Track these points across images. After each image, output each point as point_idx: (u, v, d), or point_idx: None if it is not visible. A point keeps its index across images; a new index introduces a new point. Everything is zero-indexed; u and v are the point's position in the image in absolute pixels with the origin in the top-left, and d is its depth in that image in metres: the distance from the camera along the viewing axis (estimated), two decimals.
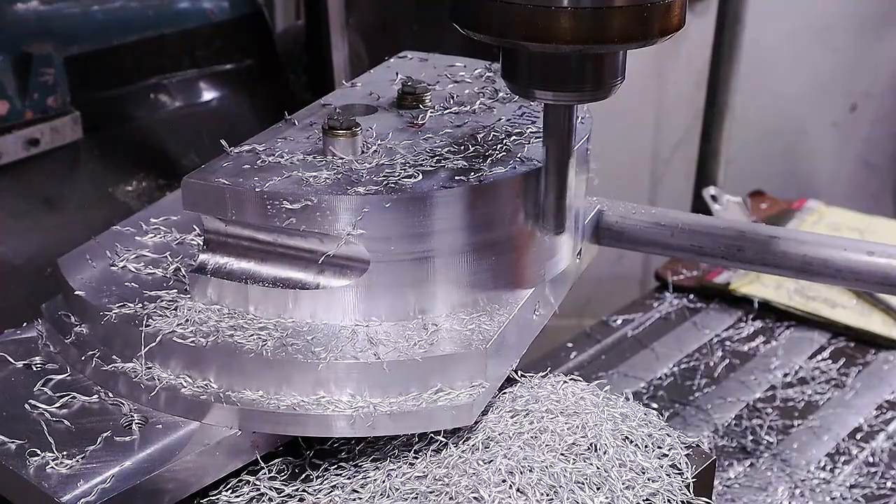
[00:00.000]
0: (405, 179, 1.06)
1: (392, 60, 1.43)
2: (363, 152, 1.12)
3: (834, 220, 2.65)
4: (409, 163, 1.10)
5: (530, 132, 1.17)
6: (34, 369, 1.10)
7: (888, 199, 3.99)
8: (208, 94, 2.17)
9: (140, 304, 1.10)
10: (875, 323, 2.23)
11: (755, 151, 3.46)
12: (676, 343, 2.19)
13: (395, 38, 2.38)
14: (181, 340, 1.04)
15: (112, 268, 1.18)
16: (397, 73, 1.33)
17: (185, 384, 1.04)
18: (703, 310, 2.32)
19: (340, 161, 1.10)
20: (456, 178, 1.07)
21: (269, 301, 1.07)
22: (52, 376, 1.08)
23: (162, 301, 1.10)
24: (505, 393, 1.14)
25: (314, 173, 1.07)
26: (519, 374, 1.18)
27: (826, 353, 2.16)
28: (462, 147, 1.14)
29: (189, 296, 1.11)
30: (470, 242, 1.08)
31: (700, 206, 2.66)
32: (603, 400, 1.14)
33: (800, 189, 3.34)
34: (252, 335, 1.05)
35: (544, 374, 1.18)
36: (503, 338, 1.08)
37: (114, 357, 1.08)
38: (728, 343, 2.20)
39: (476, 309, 1.10)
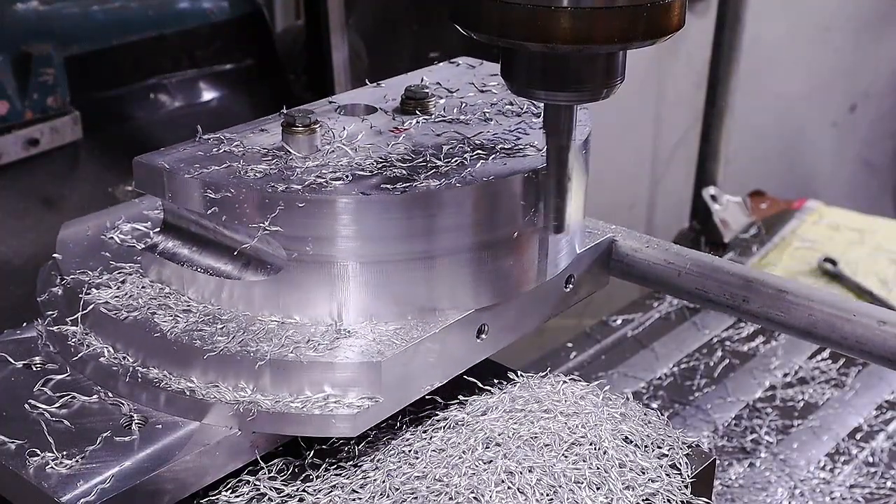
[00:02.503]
0: (333, 181, 1.05)
1: (440, 65, 1.41)
2: (318, 150, 1.12)
3: (834, 220, 2.65)
4: (352, 166, 1.09)
5: (501, 148, 1.14)
6: (34, 369, 1.10)
7: (888, 199, 3.99)
8: (208, 94, 2.17)
9: (97, 273, 1.14)
10: None
11: (755, 151, 3.46)
12: (676, 343, 2.19)
13: (395, 38, 2.38)
14: (106, 311, 1.07)
15: (101, 237, 1.21)
16: (423, 79, 1.31)
17: (106, 354, 1.07)
18: (703, 310, 2.32)
19: (288, 157, 1.10)
20: (382, 186, 1.05)
21: (201, 287, 1.10)
22: (52, 376, 1.08)
23: (119, 273, 1.14)
24: (505, 393, 1.14)
25: (255, 166, 1.08)
26: (519, 374, 1.18)
27: (826, 353, 2.16)
28: (417, 156, 1.11)
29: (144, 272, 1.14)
30: (389, 253, 1.05)
31: (700, 206, 2.67)
32: (603, 400, 1.14)
33: (800, 189, 3.34)
34: (171, 317, 1.07)
35: (544, 374, 1.18)
36: (411, 355, 1.04)
37: (66, 319, 1.11)
38: (728, 343, 2.20)
39: (402, 321, 1.07)
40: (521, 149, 1.13)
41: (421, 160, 1.10)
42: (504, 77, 1.07)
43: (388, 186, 1.04)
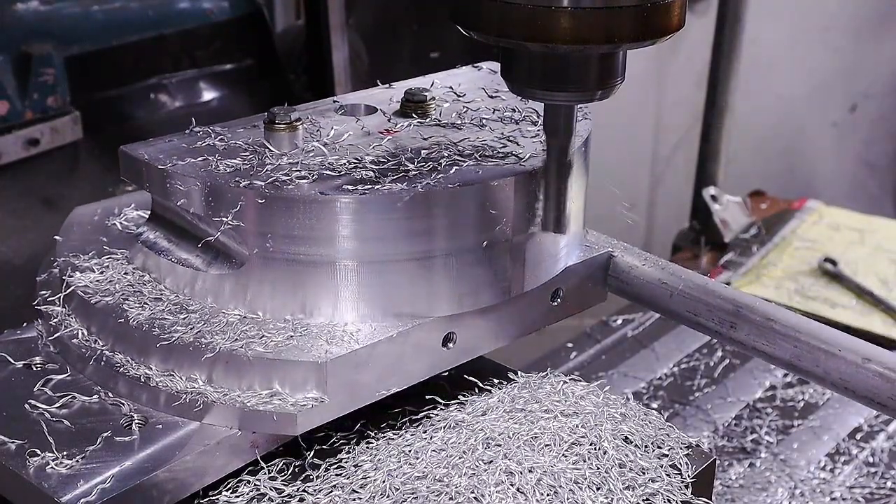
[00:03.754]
0: (298, 180, 1.05)
1: (462, 68, 1.40)
2: (297, 148, 1.12)
3: (834, 220, 2.65)
4: (324, 165, 1.09)
5: (482, 155, 1.12)
6: (34, 369, 1.09)
7: (888, 199, 3.99)
8: (208, 94, 2.17)
9: (88, 257, 1.16)
10: (875, 323, 2.23)
11: (755, 151, 3.46)
12: (676, 343, 2.19)
13: (395, 38, 2.38)
14: (82, 294, 1.10)
15: (105, 222, 1.23)
16: (433, 83, 1.30)
17: (79, 336, 1.09)
18: None
19: (265, 154, 1.11)
20: (344, 187, 1.04)
21: (176, 277, 1.11)
22: (52, 376, 1.08)
23: (109, 258, 1.16)
24: (505, 393, 1.14)
25: (229, 161, 1.09)
26: (519, 374, 1.18)
27: None
28: (392, 159, 1.10)
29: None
30: (347, 255, 1.05)
31: (700, 206, 2.67)
32: (603, 400, 1.14)
33: (800, 189, 3.34)
34: (140, 304, 1.08)
35: (544, 374, 1.18)
36: (363, 357, 1.03)
37: (53, 300, 1.13)
38: None
39: (362, 324, 1.07)
40: (502, 157, 1.12)
41: (394, 163, 1.09)
42: (504, 77, 1.07)
43: (350, 188, 1.04)
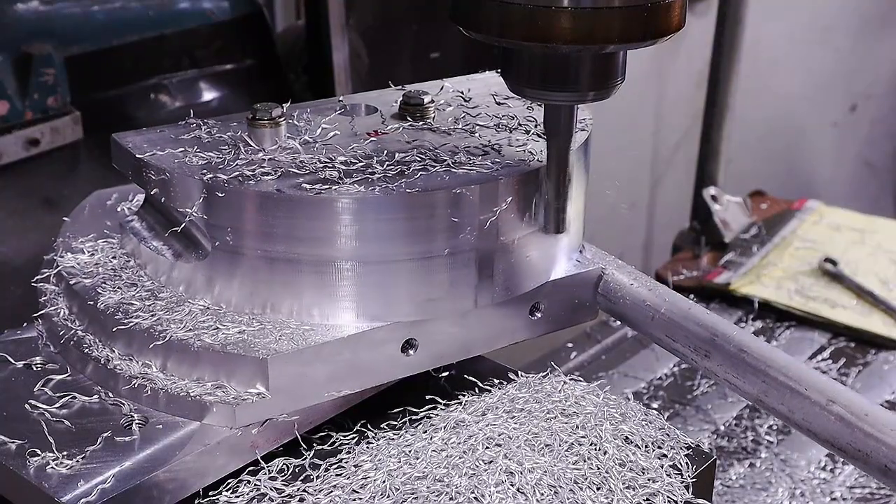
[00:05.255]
0: (263, 176, 1.06)
1: (484, 73, 1.38)
2: (276, 145, 1.12)
3: (834, 220, 2.65)
4: (294, 163, 1.09)
5: (456, 162, 1.10)
6: (34, 369, 1.10)
7: (888, 199, 3.99)
8: (208, 94, 2.17)
9: (85, 238, 1.19)
10: (875, 323, 2.23)
11: (755, 151, 3.46)
12: None
13: (395, 38, 2.38)
14: (65, 274, 1.13)
15: (117, 207, 1.25)
16: (442, 87, 1.30)
17: (59, 313, 1.13)
18: None
19: (240, 148, 1.11)
20: (302, 185, 1.04)
21: (154, 264, 1.13)
22: (52, 376, 1.08)
23: (106, 242, 1.19)
24: (505, 393, 1.14)
25: (205, 153, 1.10)
26: (519, 373, 1.18)
27: (826, 353, 2.16)
28: (364, 161, 1.10)
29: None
30: (301, 254, 1.05)
31: (700, 206, 2.67)
32: (603, 400, 1.14)
33: (800, 189, 3.34)
34: (114, 288, 1.11)
35: (544, 374, 1.18)
36: (309, 357, 1.03)
37: (43, 277, 1.18)
38: None
39: (320, 322, 1.06)
40: (476, 165, 1.10)
41: (363, 165, 1.09)
42: (504, 77, 1.07)
43: (308, 186, 1.04)
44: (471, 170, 1.09)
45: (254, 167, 1.07)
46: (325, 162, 1.09)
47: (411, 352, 1.09)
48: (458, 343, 1.12)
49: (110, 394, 1.05)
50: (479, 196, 1.06)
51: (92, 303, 1.09)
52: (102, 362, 1.06)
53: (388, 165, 1.08)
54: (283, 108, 1.15)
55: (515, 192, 1.09)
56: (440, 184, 1.06)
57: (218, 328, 1.05)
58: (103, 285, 1.11)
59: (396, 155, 1.11)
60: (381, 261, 1.06)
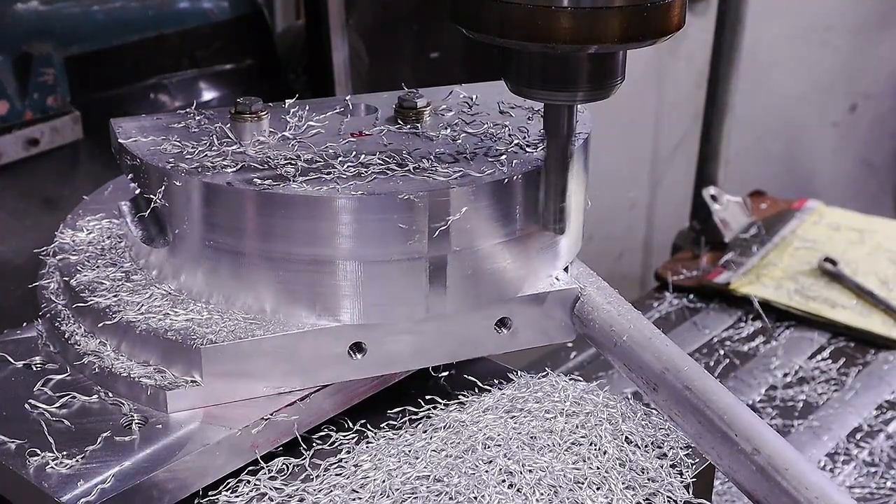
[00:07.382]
0: (223, 168, 1.07)
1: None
2: (252, 139, 1.13)
3: (834, 220, 2.65)
4: (257, 158, 1.09)
5: (417, 168, 1.08)
6: (34, 369, 1.10)
7: (888, 199, 3.99)
8: (208, 94, 2.17)
9: (91, 217, 1.23)
10: (875, 323, 2.23)
11: (755, 151, 3.46)
12: (676, 343, 2.18)
13: (395, 38, 2.38)
14: (57, 249, 1.17)
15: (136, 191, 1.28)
16: (451, 91, 1.29)
17: (52, 286, 1.17)
18: (703, 310, 2.32)
19: (218, 142, 1.12)
20: (252, 180, 1.04)
21: (137, 247, 1.14)
22: (52, 376, 1.08)
23: (108, 220, 1.22)
24: (505, 393, 1.14)
25: (181, 142, 1.12)
26: (519, 373, 1.18)
27: (826, 353, 2.16)
28: (325, 160, 1.09)
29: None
30: (247, 247, 1.05)
31: (700, 206, 2.66)
32: (603, 400, 1.14)
33: (800, 189, 3.34)
34: (93, 268, 1.14)
35: (544, 374, 1.18)
36: (246, 349, 1.03)
37: (45, 251, 1.21)
38: (728, 343, 2.20)
39: (268, 316, 1.07)
40: (438, 172, 1.07)
41: (323, 164, 1.08)
42: (504, 77, 1.07)
43: (258, 181, 1.04)
44: (429, 177, 1.07)
45: (220, 159, 1.09)
46: (290, 159, 1.09)
47: (359, 355, 1.08)
48: (411, 350, 1.10)
49: (109, 393, 1.06)
50: (429, 204, 1.04)
51: (67, 278, 1.12)
52: (66, 336, 1.09)
53: (348, 167, 1.08)
54: (267, 104, 1.17)
55: (473, 202, 1.06)
56: (389, 188, 1.04)
57: (168, 314, 1.07)
58: (85, 263, 1.15)
59: (362, 157, 1.10)
60: (328, 261, 1.05)
